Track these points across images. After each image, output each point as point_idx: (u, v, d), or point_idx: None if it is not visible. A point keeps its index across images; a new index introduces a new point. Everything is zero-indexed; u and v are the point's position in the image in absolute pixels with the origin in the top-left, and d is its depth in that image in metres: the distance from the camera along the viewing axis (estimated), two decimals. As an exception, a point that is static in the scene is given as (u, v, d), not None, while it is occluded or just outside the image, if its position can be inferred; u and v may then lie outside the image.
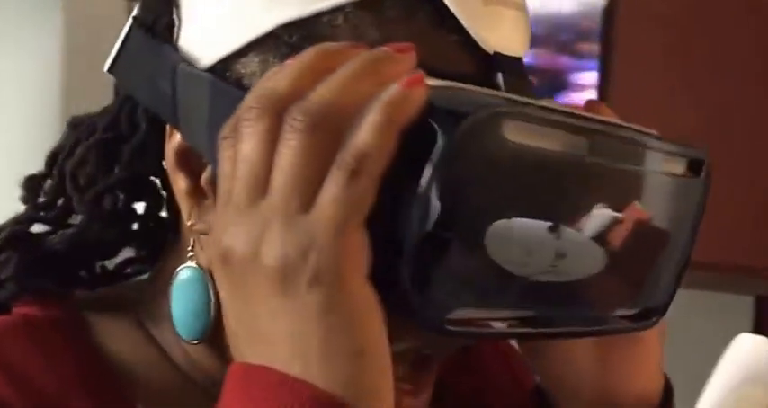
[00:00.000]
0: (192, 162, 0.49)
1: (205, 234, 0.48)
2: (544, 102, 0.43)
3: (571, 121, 0.42)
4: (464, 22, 0.45)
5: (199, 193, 0.49)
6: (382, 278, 0.40)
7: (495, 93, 0.43)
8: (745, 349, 1.36)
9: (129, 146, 0.52)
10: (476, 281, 0.41)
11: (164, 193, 0.54)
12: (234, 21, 0.47)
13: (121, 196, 0.53)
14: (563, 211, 0.43)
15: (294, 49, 0.44)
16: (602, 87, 1.91)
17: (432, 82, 0.41)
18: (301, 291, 0.39)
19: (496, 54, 0.46)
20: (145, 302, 0.54)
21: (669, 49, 1.96)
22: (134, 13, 0.52)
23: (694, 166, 0.47)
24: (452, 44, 0.45)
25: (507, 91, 0.45)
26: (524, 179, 0.41)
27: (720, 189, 0.51)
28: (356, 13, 0.45)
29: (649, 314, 0.48)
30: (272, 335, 0.40)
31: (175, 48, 0.49)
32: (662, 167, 0.47)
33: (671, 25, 1.93)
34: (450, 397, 0.58)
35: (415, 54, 0.42)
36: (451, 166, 0.39)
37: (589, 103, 0.48)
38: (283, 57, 0.45)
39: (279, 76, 0.41)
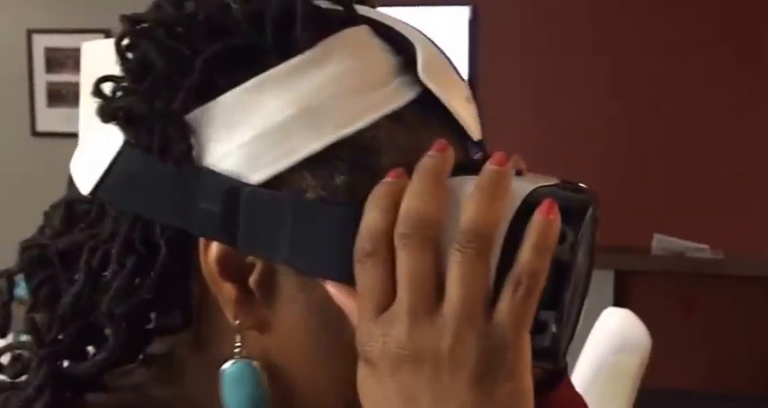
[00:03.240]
0: (234, 268, 0.52)
1: (256, 328, 0.53)
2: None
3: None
4: (461, 121, 0.54)
5: (248, 294, 0.52)
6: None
7: (549, 181, 0.53)
8: (613, 321, 1.44)
9: (156, 268, 0.52)
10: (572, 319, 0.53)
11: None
12: (279, 142, 0.51)
13: (151, 314, 0.55)
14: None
15: (350, 164, 0.51)
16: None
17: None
18: (498, 384, 0.48)
19: (478, 141, 0.56)
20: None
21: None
22: (122, 137, 0.53)
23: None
24: (453, 137, 0.53)
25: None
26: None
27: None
28: (390, 125, 0.52)
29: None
30: None
31: (208, 170, 0.51)
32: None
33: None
34: None
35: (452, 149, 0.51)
36: (579, 245, 0.49)
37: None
38: (346, 172, 0.51)
39: (422, 202, 0.48)
